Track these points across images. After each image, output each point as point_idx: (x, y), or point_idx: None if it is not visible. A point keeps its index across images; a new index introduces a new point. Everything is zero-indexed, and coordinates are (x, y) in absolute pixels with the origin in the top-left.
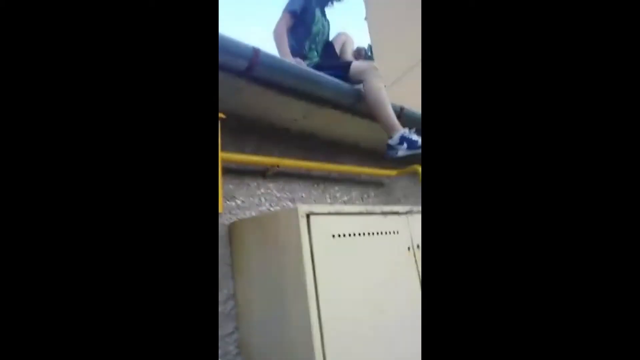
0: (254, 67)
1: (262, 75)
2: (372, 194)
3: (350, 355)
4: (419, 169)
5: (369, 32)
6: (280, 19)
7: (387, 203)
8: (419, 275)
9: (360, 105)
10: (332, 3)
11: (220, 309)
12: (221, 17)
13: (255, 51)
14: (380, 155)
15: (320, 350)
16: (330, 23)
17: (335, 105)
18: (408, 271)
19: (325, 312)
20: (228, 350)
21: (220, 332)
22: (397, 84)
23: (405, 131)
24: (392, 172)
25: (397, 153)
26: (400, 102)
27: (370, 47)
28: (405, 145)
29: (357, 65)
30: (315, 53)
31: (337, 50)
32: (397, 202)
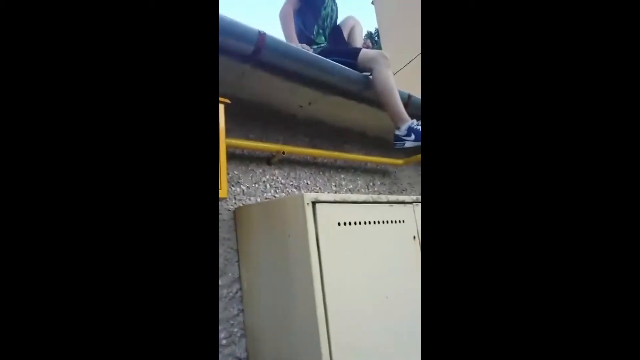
0: (260, 51)
1: (268, 59)
2: (377, 182)
3: (355, 341)
4: None
5: (376, 17)
6: (287, 0)
7: (392, 192)
8: (422, 264)
9: (367, 92)
10: None
11: (225, 291)
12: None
13: (261, 35)
14: (386, 144)
15: (326, 337)
16: (338, 6)
17: (342, 92)
18: (413, 259)
19: (331, 299)
20: (232, 332)
21: (225, 315)
22: (404, 70)
23: (413, 122)
24: (399, 161)
25: (404, 144)
26: (407, 89)
27: (377, 31)
28: (412, 136)
29: (366, 52)
30: (323, 38)
31: (345, 34)
32: (403, 191)
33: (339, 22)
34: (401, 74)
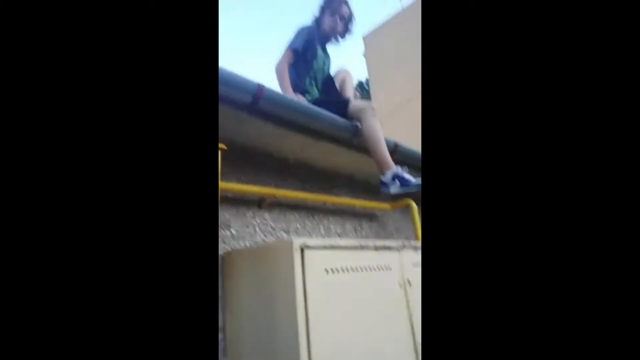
0: (258, 101)
1: (264, 108)
2: (365, 226)
3: None
4: (412, 203)
5: (367, 68)
6: (283, 56)
7: (379, 236)
8: (409, 313)
9: (355, 139)
10: (335, 40)
11: None
12: (223, 51)
13: (260, 87)
14: (373, 188)
15: None
16: (331, 58)
17: (332, 139)
18: (399, 309)
19: (317, 350)
20: None
21: None
22: (392, 117)
23: (397, 169)
24: (386, 206)
25: (389, 190)
26: (395, 135)
27: (367, 81)
28: (397, 182)
29: (355, 104)
30: (316, 89)
31: (337, 85)
32: (390, 235)
33: (332, 73)
34: (389, 120)
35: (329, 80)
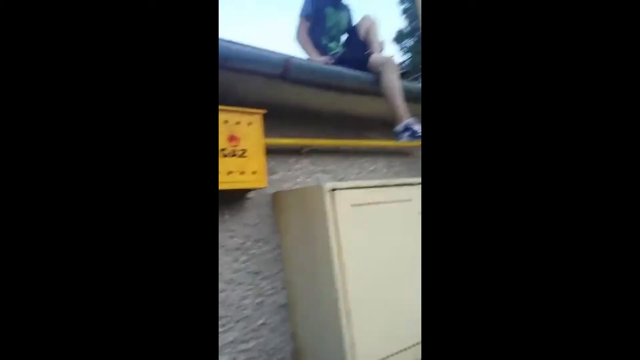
0: (287, 71)
1: (294, 76)
2: (396, 162)
3: (369, 302)
4: None
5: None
6: (299, 25)
7: (411, 169)
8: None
9: (380, 89)
10: None
11: (272, 255)
12: (249, 28)
13: (287, 60)
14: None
15: (342, 288)
16: (358, 9)
17: (357, 91)
18: (418, 231)
19: (347, 260)
20: (275, 286)
21: (269, 272)
22: None
23: (410, 121)
24: (415, 143)
25: (401, 138)
26: None
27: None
28: (407, 133)
29: (375, 58)
30: (336, 44)
31: (361, 35)
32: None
33: (355, 23)
34: None
35: (351, 33)
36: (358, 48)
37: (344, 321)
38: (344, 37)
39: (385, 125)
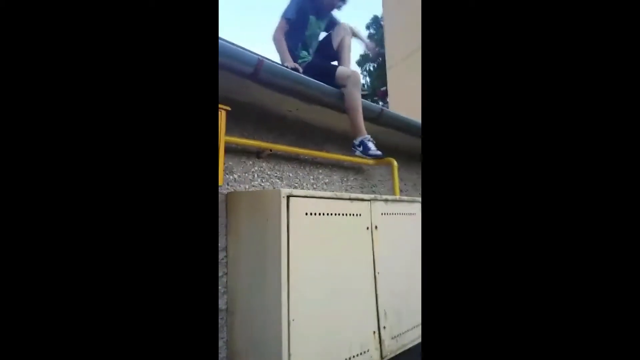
0: (258, 72)
1: (264, 78)
2: (351, 178)
3: (312, 313)
4: (394, 161)
5: (382, 3)
6: (278, 25)
7: (364, 187)
8: (372, 249)
9: (342, 104)
10: (330, 9)
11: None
12: (229, 25)
13: (260, 60)
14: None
15: (286, 293)
16: (339, 19)
17: (322, 103)
18: (365, 245)
19: (294, 265)
20: (217, 289)
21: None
22: (407, 58)
23: (364, 138)
24: (370, 162)
25: (355, 152)
26: (410, 81)
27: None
28: (361, 148)
29: (341, 71)
30: (307, 53)
31: (335, 44)
32: (374, 186)
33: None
34: (404, 62)
35: (325, 40)
36: (327, 57)
37: (284, 331)
38: (315, 45)
39: (345, 140)
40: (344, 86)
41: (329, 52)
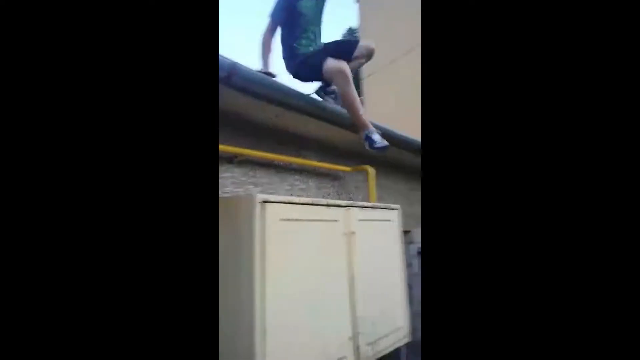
0: (232, 77)
1: (238, 84)
2: (328, 184)
3: (287, 317)
4: (369, 168)
5: (359, 15)
6: (266, 26)
7: (340, 193)
8: (348, 255)
9: (321, 112)
10: None
11: None
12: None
13: (232, 64)
14: (339, 153)
15: (260, 312)
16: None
17: (300, 110)
18: (341, 251)
19: (270, 281)
20: None
21: None
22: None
23: (368, 131)
24: (347, 168)
25: (365, 147)
26: (396, 86)
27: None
28: (367, 142)
29: (329, 65)
30: (309, 41)
31: (358, 52)
32: (350, 193)
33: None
34: (379, 73)
35: (345, 44)
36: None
37: (258, 338)
38: (318, 30)
39: (322, 147)
40: (332, 82)
41: (339, 50)
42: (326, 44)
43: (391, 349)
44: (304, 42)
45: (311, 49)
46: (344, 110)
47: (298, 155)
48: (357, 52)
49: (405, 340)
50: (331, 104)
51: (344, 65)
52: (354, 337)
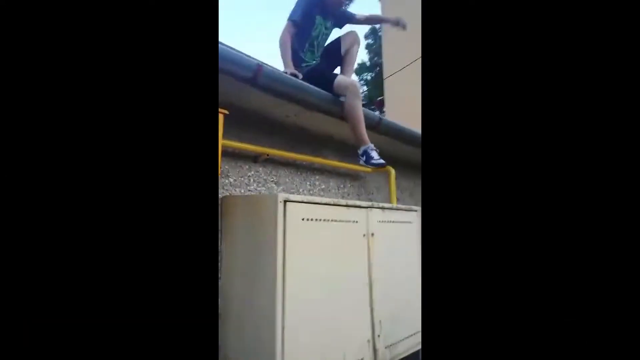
0: (257, 77)
1: (263, 83)
2: (348, 184)
3: (306, 318)
4: (391, 169)
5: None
6: (284, 28)
7: (360, 194)
8: (368, 257)
9: (341, 111)
10: (338, 7)
11: None
12: (232, 30)
13: (259, 66)
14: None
15: (281, 297)
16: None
17: (320, 110)
18: (361, 251)
19: (290, 274)
20: None
21: None
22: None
23: (367, 147)
24: (368, 169)
25: (360, 162)
26: (407, 87)
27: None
28: (364, 158)
29: (340, 81)
30: (313, 55)
31: (343, 49)
32: (370, 194)
33: (341, 33)
34: (401, 73)
35: (333, 45)
36: (333, 62)
37: (278, 337)
38: (321, 49)
39: (342, 147)
40: (343, 95)
41: (336, 57)
42: (315, 67)
43: (410, 351)
44: (309, 54)
45: (314, 62)
46: (365, 110)
47: (319, 155)
48: (336, 87)
49: None
50: None
51: (355, 81)
52: (372, 340)
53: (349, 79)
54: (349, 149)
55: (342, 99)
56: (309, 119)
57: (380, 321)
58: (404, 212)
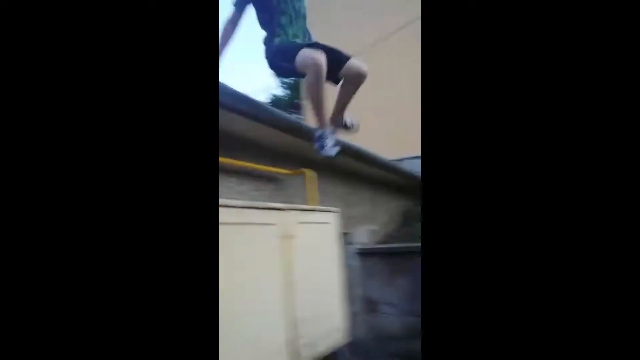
0: None
1: None
2: (266, 187)
3: (223, 323)
4: (307, 171)
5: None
6: (228, 16)
7: (279, 196)
8: (284, 258)
9: (262, 115)
10: None
11: None
12: None
13: None
14: (277, 155)
15: None
16: None
17: (236, 111)
18: (280, 255)
19: None
20: None
21: None
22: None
23: (323, 132)
24: (286, 171)
25: (314, 146)
26: None
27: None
28: (317, 144)
29: (302, 57)
30: (293, 27)
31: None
32: (290, 196)
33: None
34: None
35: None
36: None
37: None
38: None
39: (259, 149)
40: (304, 74)
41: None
42: (319, 43)
43: (330, 349)
44: (289, 29)
45: (298, 40)
46: (283, 113)
47: (235, 157)
48: (344, 70)
49: (345, 341)
50: (264, 105)
51: (320, 56)
52: (292, 339)
53: (313, 53)
54: (265, 150)
55: (303, 79)
56: (223, 121)
57: (300, 321)
58: (322, 213)
